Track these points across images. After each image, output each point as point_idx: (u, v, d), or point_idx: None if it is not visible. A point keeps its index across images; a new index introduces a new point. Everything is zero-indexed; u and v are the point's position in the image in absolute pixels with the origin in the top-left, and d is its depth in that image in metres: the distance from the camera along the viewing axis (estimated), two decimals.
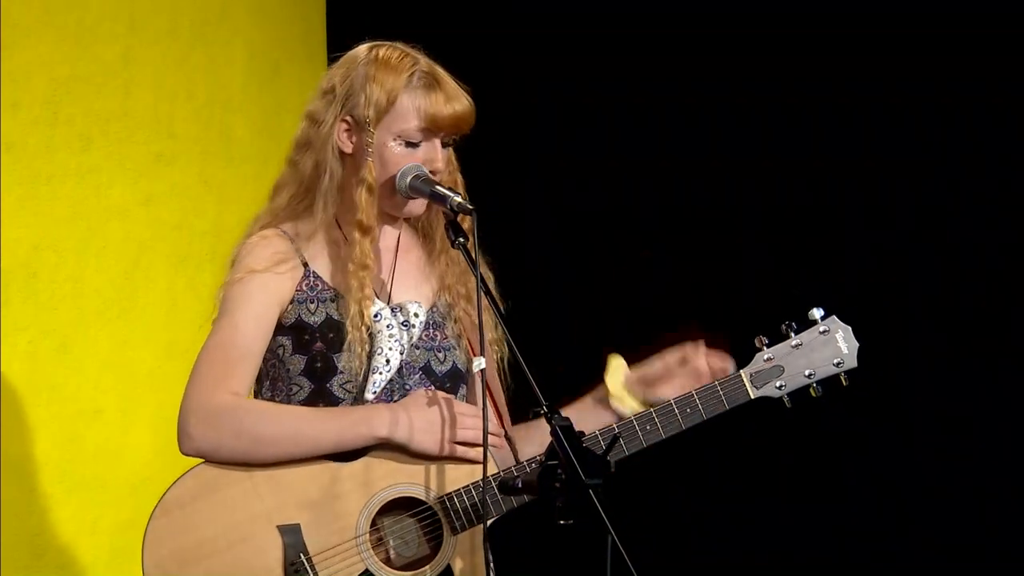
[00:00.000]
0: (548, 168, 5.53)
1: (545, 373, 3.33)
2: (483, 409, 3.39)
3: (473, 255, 3.41)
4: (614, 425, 3.54)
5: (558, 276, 5.54)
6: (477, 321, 3.46)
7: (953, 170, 5.21)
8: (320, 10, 5.63)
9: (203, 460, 3.44)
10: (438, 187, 3.50)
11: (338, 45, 3.68)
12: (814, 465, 5.34)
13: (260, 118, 5.40)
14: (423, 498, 3.49)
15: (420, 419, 3.46)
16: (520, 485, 3.31)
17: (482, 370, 3.41)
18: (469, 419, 3.49)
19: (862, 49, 5.26)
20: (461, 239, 3.43)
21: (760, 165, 5.37)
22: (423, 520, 3.50)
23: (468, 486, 3.48)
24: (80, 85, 4.85)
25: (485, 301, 3.42)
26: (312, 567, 3.42)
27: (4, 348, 4.64)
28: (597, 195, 5.50)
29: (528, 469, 3.44)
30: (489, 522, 3.46)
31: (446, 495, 3.48)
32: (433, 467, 3.49)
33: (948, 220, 5.23)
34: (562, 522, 3.20)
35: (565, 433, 3.23)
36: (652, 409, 3.54)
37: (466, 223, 3.48)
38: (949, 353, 5.21)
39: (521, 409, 3.47)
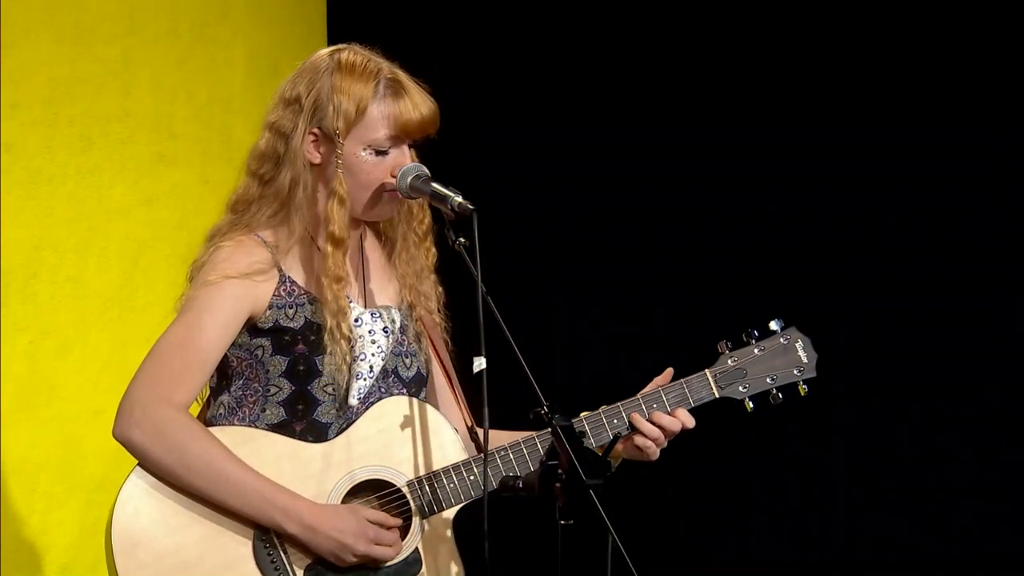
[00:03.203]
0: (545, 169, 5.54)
1: (544, 374, 3.34)
2: (483, 408, 3.39)
3: (474, 256, 3.40)
4: (582, 417, 3.58)
5: (553, 277, 5.54)
6: (452, 321, 3.53)
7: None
8: (320, 10, 5.62)
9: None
10: (439, 187, 3.49)
11: None
12: (814, 466, 5.34)
13: (260, 118, 5.36)
14: (394, 481, 3.52)
15: (329, 543, 3.45)
16: (520, 485, 3.32)
17: (482, 370, 3.41)
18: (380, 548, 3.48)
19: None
20: (461, 239, 3.42)
21: (746, 174, 5.38)
22: (393, 503, 3.53)
23: (438, 471, 3.51)
24: (80, 85, 4.85)
25: (484, 302, 3.41)
26: (280, 541, 3.45)
27: (4, 348, 4.64)
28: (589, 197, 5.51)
29: (511, 455, 3.52)
30: (458, 508, 3.52)
31: (416, 478, 3.52)
32: (408, 451, 3.53)
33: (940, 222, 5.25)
34: (562, 522, 3.20)
35: (565, 433, 3.24)
36: (620, 403, 3.60)
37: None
38: (942, 353, 5.23)
39: (520, 410, 3.48)
